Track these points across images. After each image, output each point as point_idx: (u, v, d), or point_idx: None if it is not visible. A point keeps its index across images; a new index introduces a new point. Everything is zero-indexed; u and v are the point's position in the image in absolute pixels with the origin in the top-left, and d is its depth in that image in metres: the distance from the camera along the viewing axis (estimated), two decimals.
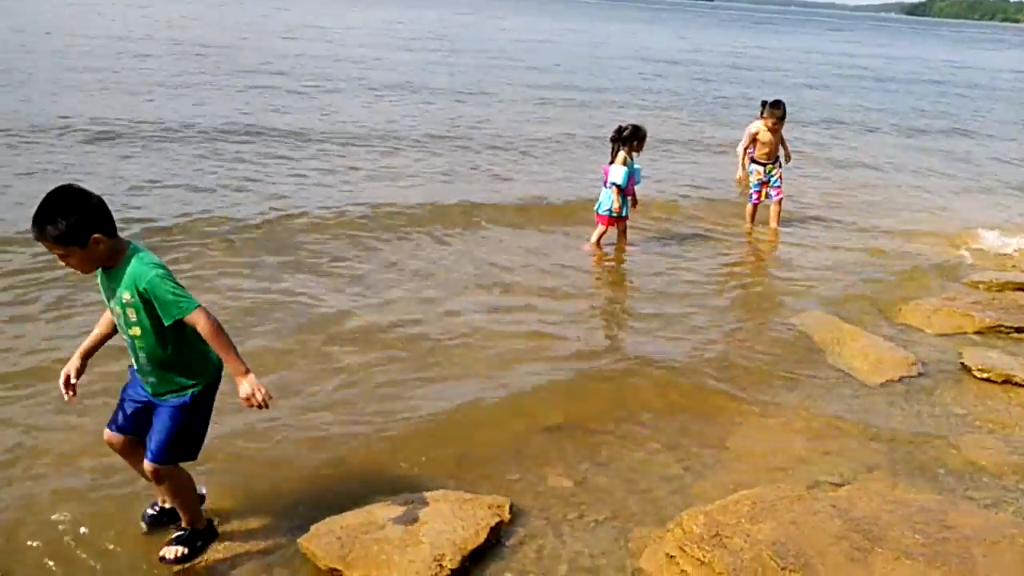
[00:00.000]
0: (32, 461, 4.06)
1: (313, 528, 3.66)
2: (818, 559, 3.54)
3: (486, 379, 5.32)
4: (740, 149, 9.16)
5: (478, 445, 4.58)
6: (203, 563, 3.51)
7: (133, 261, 3.10)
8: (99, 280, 3.23)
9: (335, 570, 3.44)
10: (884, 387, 5.59)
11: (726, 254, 8.43)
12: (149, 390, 3.33)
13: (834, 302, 7.04)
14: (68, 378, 3.27)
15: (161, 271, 3.11)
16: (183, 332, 3.21)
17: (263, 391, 3.15)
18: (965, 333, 6.55)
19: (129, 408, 3.40)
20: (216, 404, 4.34)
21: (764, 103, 11.41)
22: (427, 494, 3.94)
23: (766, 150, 9.04)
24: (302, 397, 4.88)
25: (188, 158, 10.06)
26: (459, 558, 3.50)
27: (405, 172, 10.46)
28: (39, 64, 15.82)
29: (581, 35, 39.65)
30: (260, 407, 3.16)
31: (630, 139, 7.78)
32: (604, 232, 8.00)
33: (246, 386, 3.15)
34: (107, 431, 3.45)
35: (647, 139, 7.96)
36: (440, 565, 3.44)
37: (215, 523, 3.64)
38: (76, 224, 2.97)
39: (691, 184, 11.24)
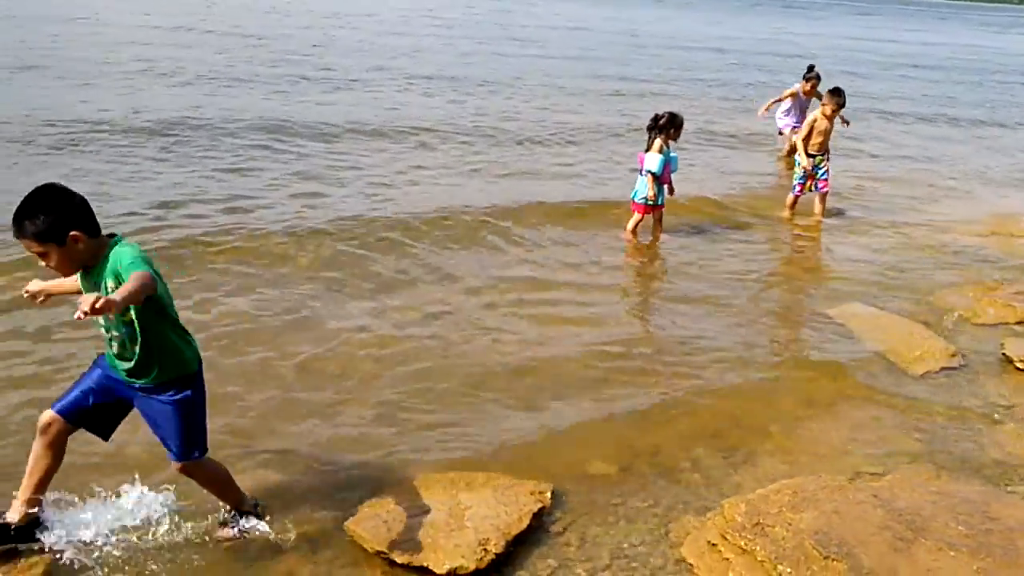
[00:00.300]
0: None
1: (359, 511, 3.73)
2: (860, 549, 3.55)
3: (524, 365, 5.36)
4: (799, 141, 9.04)
5: (517, 430, 4.62)
6: (251, 545, 3.59)
7: (114, 249, 3.06)
8: (80, 283, 3.18)
9: (381, 553, 3.50)
10: (925, 377, 5.55)
11: (763, 244, 8.38)
12: (142, 382, 3.26)
13: (873, 293, 6.99)
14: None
15: (139, 253, 3.03)
16: (167, 317, 3.21)
17: (94, 302, 2.67)
18: (1007, 324, 6.48)
19: (93, 399, 3.33)
20: (260, 392, 4.44)
21: (811, 67, 11.54)
22: (470, 477, 4.00)
23: (820, 139, 8.91)
24: (343, 385, 4.94)
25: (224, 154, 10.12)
26: (503, 543, 3.56)
27: (444, 165, 10.44)
28: (72, 56, 15.93)
29: (614, 21, 39.32)
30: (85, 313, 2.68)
31: (667, 127, 7.75)
32: (640, 220, 7.99)
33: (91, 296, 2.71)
34: (51, 413, 3.31)
35: (683, 127, 7.92)
36: (485, 550, 3.49)
37: (259, 505, 3.71)
38: (55, 221, 2.95)
39: (728, 172, 11.17)
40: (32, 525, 3.40)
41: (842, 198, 10.14)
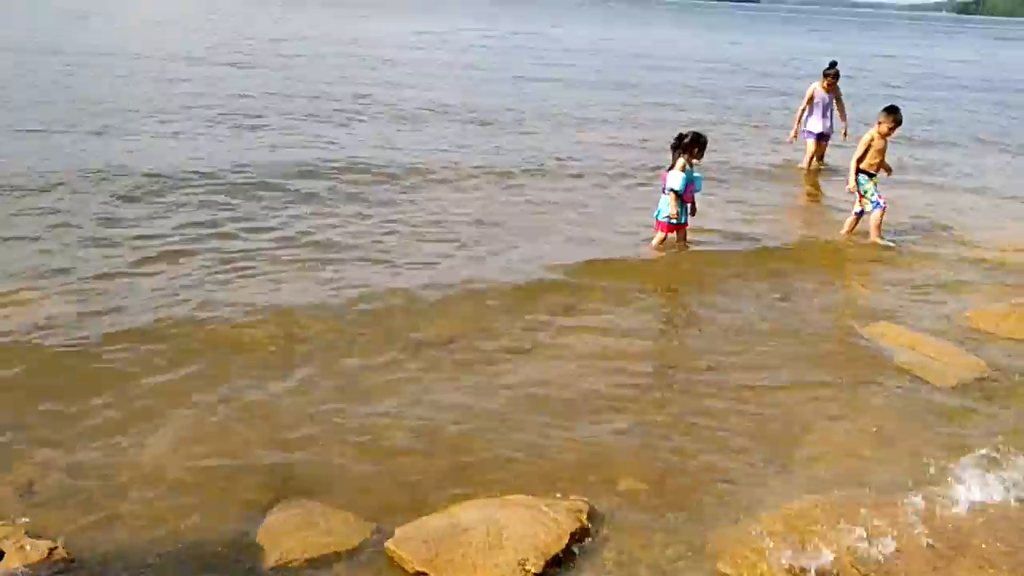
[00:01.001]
0: None
1: (399, 531, 3.76)
2: (900, 566, 3.55)
3: (552, 382, 5.39)
4: (852, 162, 8.82)
5: (550, 448, 4.64)
6: (291, 565, 3.63)
7: None
8: None
9: (422, 573, 3.53)
10: (956, 391, 5.54)
11: (792, 262, 8.33)
12: None
13: (902, 309, 6.97)
14: None
15: None
16: None
17: None
18: None
19: None
20: (300, 409, 4.51)
21: (833, 63, 11.70)
22: (507, 498, 4.03)
23: (878, 159, 8.74)
24: (378, 401, 4.99)
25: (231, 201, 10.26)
26: (542, 563, 3.58)
27: (476, 202, 10.57)
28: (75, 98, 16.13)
29: (630, 43, 39.52)
30: None
31: (690, 146, 7.80)
32: (663, 239, 8.02)
33: None
34: None
35: (707, 146, 7.96)
36: (525, 570, 3.52)
37: None
38: None
39: (756, 190, 11.19)
40: None
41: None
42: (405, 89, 18.06)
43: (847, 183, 8.87)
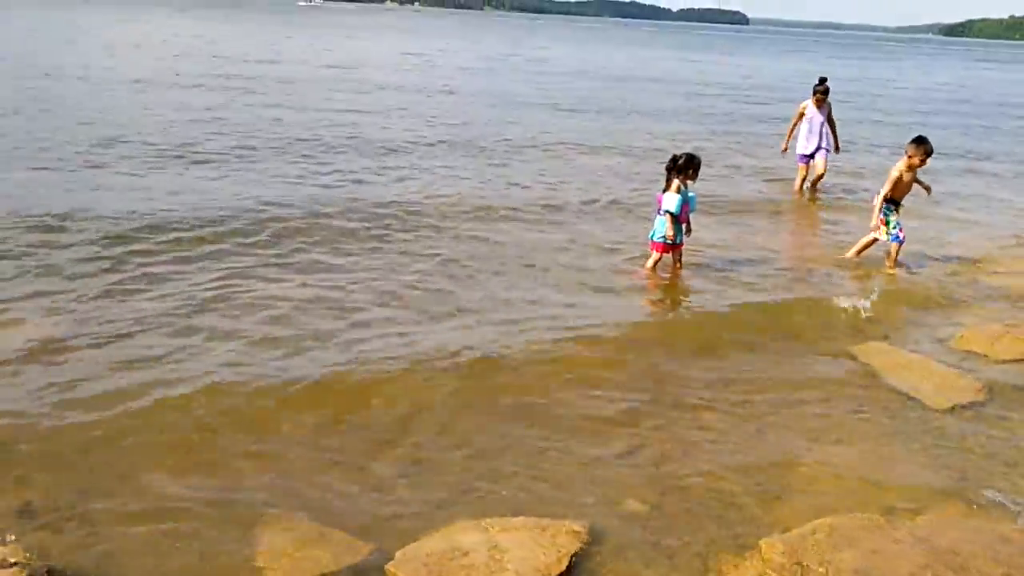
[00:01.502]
0: None
1: (398, 554, 3.75)
2: None
3: (550, 403, 5.39)
4: (879, 199, 8.58)
5: (548, 469, 4.64)
6: None
7: None
8: None
9: None
10: (951, 413, 5.56)
11: (787, 281, 8.38)
12: None
13: (896, 330, 7.01)
14: None
15: None
16: None
17: None
18: None
19: None
20: (303, 434, 4.50)
21: (823, 79, 11.88)
22: (506, 520, 4.02)
23: (905, 192, 8.61)
24: (374, 429, 4.97)
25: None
26: None
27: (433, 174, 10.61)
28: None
29: (624, 65, 39.83)
30: None
31: (685, 167, 7.84)
32: (658, 259, 8.06)
33: None
34: None
35: (701, 167, 8.01)
36: None
37: None
38: None
39: (750, 210, 11.27)
40: None
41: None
42: (393, 116, 17.88)
43: (872, 219, 8.65)
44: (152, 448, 4.53)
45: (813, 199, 12.24)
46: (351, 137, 14.60)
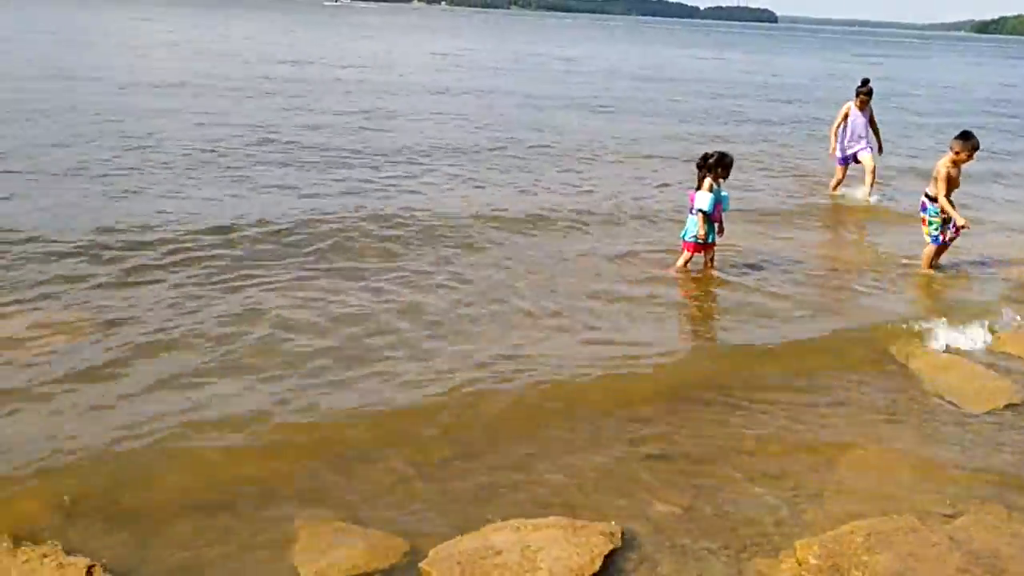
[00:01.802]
0: None
1: (432, 552, 3.76)
2: None
3: (581, 403, 5.38)
4: (942, 200, 8.22)
5: (580, 469, 4.64)
6: None
7: None
8: None
9: None
10: (989, 415, 5.49)
11: (821, 284, 8.29)
12: None
13: (933, 332, 6.91)
14: None
15: None
16: None
17: None
18: None
19: None
20: (337, 434, 4.51)
21: (865, 80, 11.57)
22: (539, 520, 4.02)
23: (956, 187, 8.38)
24: (409, 424, 5.00)
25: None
26: None
27: (462, 182, 10.62)
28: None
29: (658, 66, 39.62)
30: None
31: (716, 166, 7.80)
32: (689, 259, 8.02)
33: None
34: None
35: (733, 165, 7.96)
36: None
37: None
38: None
39: (783, 213, 11.13)
40: None
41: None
42: (423, 119, 17.52)
43: (955, 222, 8.30)
44: (190, 447, 4.59)
45: (868, 200, 11.88)
46: (382, 142, 14.37)
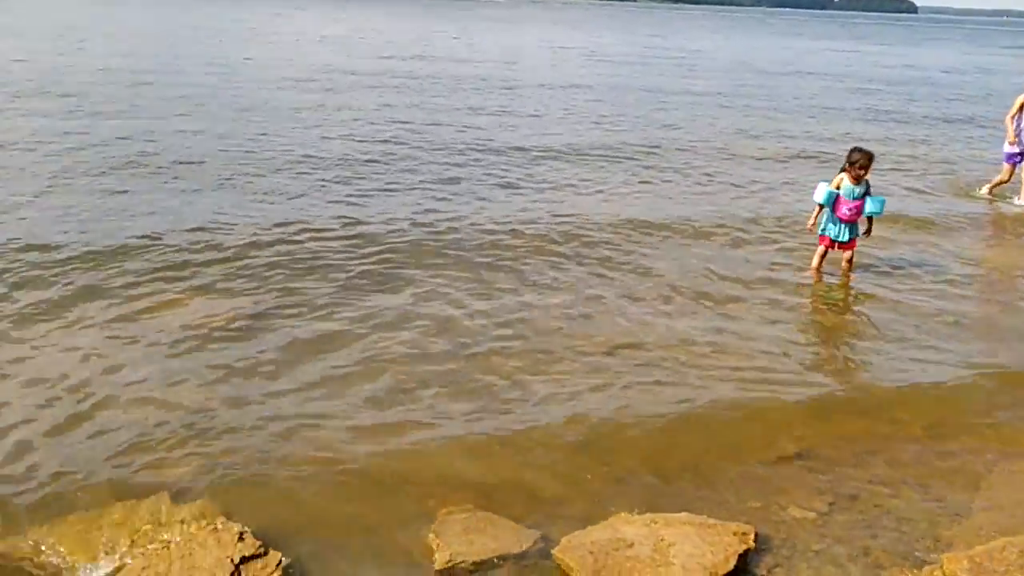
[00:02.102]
0: None
1: (564, 540, 3.80)
2: None
3: (714, 402, 5.30)
4: None
5: (713, 469, 4.58)
6: (460, 566, 3.71)
7: None
8: None
9: None
10: None
11: (975, 295, 7.87)
12: None
13: None
14: None
15: None
16: None
17: None
18: None
19: None
20: (474, 421, 4.55)
21: None
22: (670, 515, 3.99)
23: None
24: (541, 415, 5.05)
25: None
26: None
27: (602, 187, 10.56)
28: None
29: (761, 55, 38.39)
30: None
31: (852, 161, 7.54)
32: (823, 253, 7.79)
33: None
34: None
35: (871, 165, 7.60)
36: None
37: None
38: None
39: (935, 217, 10.42)
40: None
41: None
42: (550, 117, 17.06)
43: None
44: (341, 425, 4.78)
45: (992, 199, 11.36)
46: (529, 140, 13.93)
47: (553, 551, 3.74)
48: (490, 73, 24.76)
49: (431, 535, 3.88)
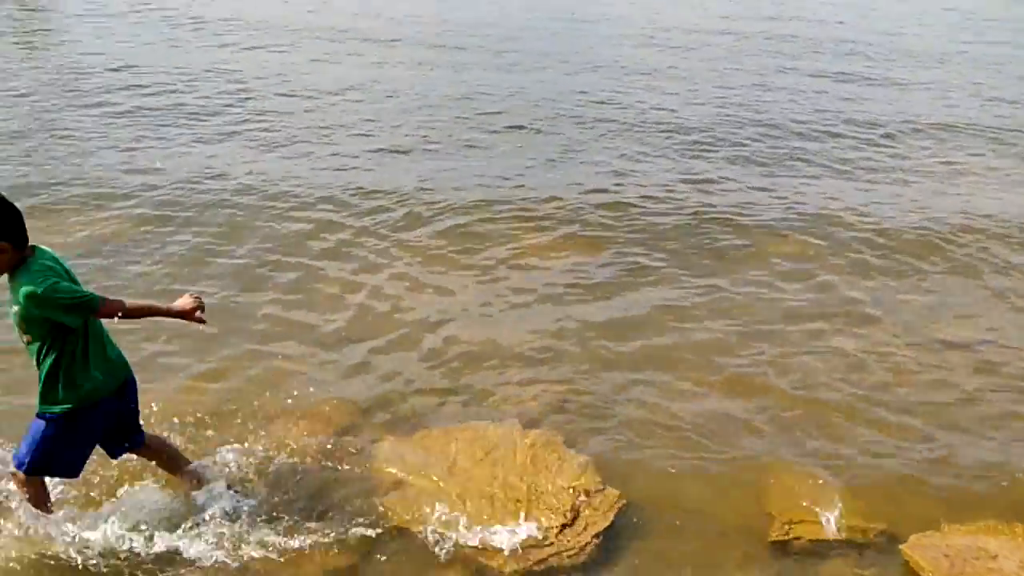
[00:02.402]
0: None
1: (912, 538, 3.57)
2: None
3: (916, 422, 4.57)
4: None
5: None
6: (795, 543, 3.60)
7: (24, 275, 2.96)
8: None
9: None
10: None
11: None
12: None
13: None
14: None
15: (47, 283, 2.94)
16: (64, 350, 3.09)
17: (194, 298, 3.23)
18: None
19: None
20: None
21: None
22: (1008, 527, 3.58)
23: None
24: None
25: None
26: None
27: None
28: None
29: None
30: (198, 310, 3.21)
31: None
32: None
33: (182, 300, 3.22)
34: None
35: None
36: None
37: None
38: None
39: None
40: None
41: None
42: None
43: None
44: (677, 388, 4.78)
45: None
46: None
47: (902, 547, 3.51)
48: (858, 37, 20.75)
49: (770, 499, 3.80)
